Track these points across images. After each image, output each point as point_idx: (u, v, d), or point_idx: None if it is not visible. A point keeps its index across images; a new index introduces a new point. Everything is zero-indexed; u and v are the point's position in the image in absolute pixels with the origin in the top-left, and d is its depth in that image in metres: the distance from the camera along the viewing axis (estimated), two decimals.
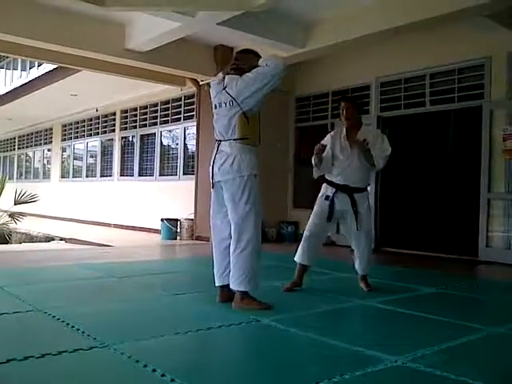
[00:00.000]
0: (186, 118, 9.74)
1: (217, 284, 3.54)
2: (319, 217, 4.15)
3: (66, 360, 2.34)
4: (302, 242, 4.21)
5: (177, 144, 10.21)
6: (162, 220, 8.86)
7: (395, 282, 4.77)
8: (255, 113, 3.42)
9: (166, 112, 10.28)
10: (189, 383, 2.06)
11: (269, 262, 6.18)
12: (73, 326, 2.85)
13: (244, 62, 3.44)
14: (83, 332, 2.75)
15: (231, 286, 3.42)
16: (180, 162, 9.92)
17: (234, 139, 3.38)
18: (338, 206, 4.11)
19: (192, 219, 8.74)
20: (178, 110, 9.94)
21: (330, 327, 3.11)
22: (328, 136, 4.29)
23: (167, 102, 10.23)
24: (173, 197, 9.73)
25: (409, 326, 3.18)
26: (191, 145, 9.69)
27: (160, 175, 10.47)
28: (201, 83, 8.59)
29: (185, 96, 9.67)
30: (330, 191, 4.13)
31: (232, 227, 3.42)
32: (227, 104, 3.39)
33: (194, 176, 8.83)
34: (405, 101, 7.58)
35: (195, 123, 8.93)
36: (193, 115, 9.32)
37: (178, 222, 8.89)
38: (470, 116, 6.92)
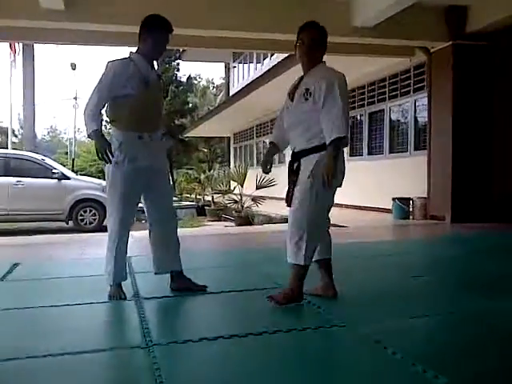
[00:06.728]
0: (415, 90, 9.21)
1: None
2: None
3: (309, 335, 2.45)
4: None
5: (406, 118, 9.77)
6: (393, 199, 8.60)
7: None
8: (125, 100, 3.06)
9: (395, 86, 9.88)
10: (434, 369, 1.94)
11: None
12: (314, 304, 2.93)
13: None
14: (319, 307, 2.87)
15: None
16: (411, 137, 9.46)
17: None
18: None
19: (425, 197, 8.27)
20: (407, 82, 9.44)
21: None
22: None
23: (395, 76, 9.82)
24: (403, 174, 9.35)
25: None
26: (421, 117, 9.16)
27: (390, 152, 10.17)
28: (431, 51, 8.00)
29: (414, 67, 9.15)
30: None
31: None
32: None
33: (425, 151, 8.32)
34: None
35: (426, 94, 8.40)
36: (423, 86, 8.77)
37: (411, 201, 8.51)
38: None
